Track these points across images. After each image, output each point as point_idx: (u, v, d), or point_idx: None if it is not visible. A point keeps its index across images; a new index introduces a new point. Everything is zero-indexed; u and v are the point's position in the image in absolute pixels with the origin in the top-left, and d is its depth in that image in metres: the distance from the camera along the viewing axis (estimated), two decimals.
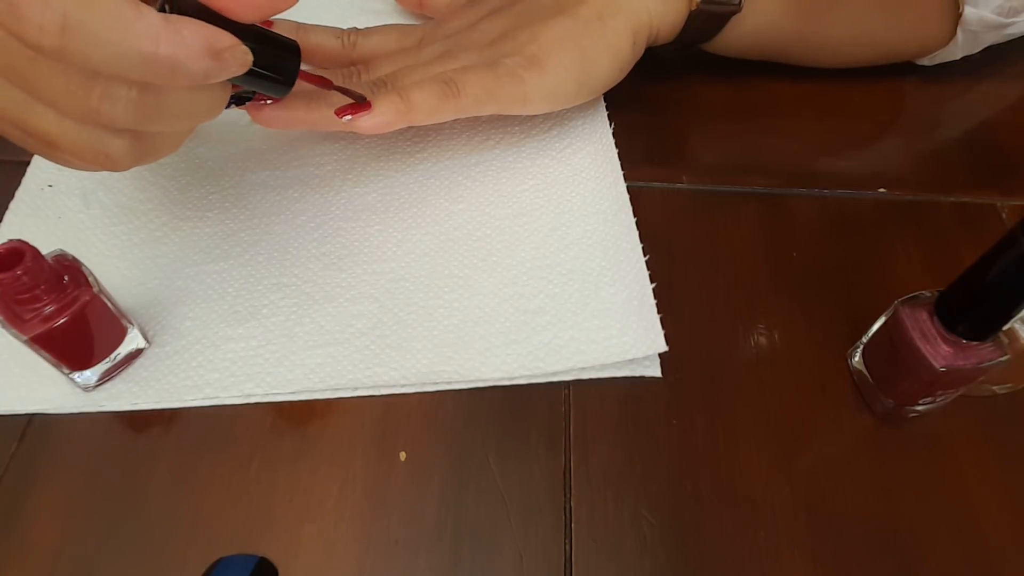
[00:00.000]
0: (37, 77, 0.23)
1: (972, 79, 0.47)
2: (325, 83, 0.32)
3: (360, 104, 0.34)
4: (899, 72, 0.46)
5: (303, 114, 0.34)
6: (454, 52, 0.38)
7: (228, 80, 0.27)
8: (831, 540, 0.30)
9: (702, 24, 0.40)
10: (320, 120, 0.34)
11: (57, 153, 0.26)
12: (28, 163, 0.40)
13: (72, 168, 0.27)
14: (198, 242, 0.37)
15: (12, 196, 0.38)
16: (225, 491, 0.30)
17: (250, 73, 0.27)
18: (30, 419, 0.32)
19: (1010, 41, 0.45)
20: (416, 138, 0.42)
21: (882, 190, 0.41)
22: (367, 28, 0.41)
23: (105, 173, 0.39)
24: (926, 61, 0.46)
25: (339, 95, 0.33)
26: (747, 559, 0.30)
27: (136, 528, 0.29)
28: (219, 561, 0.28)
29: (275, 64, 0.28)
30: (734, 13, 0.40)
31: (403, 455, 0.31)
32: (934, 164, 0.43)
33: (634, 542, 0.30)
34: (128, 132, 0.26)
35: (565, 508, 0.30)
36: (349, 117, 0.33)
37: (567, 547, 0.30)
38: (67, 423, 0.32)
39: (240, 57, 0.26)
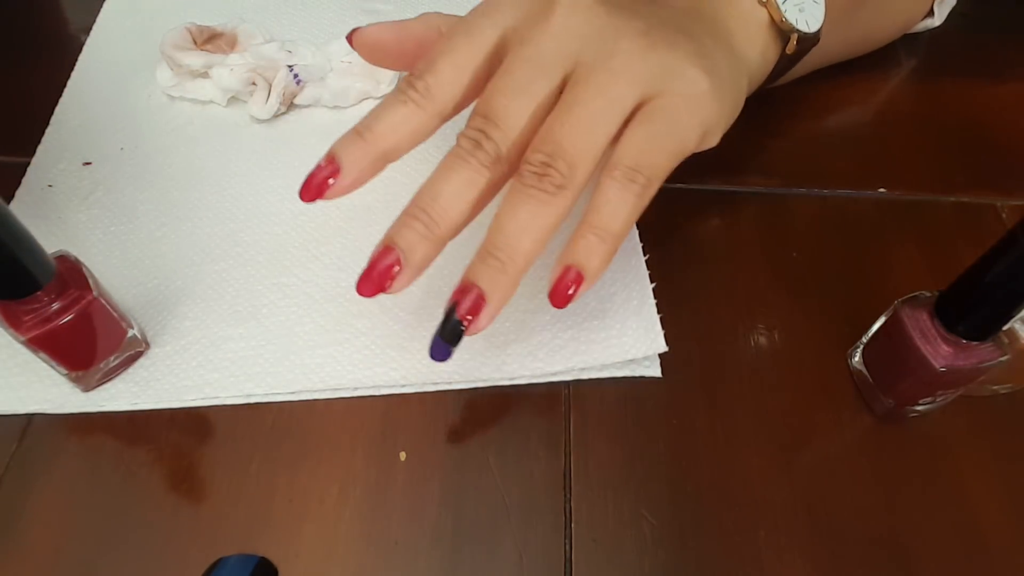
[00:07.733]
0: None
1: (972, 79, 0.47)
2: None
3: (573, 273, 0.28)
4: (899, 72, 0.46)
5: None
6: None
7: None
8: (831, 540, 0.30)
9: (784, 66, 0.38)
10: None
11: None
12: (28, 163, 0.40)
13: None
14: (198, 242, 0.37)
15: (12, 196, 0.38)
16: (225, 491, 0.30)
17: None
18: (30, 419, 0.32)
19: (1009, 41, 0.45)
20: None
21: (882, 190, 0.41)
22: (429, 64, 0.29)
23: (105, 173, 0.39)
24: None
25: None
26: (747, 559, 0.30)
27: (136, 528, 0.29)
28: (219, 561, 0.28)
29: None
30: (814, 45, 0.37)
31: (403, 455, 0.31)
32: (934, 164, 0.43)
33: (634, 542, 0.30)
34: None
35: (565, 508, 0.30)
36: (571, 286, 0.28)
37: (567, 547, 0.30)
38: (67, 423, 0.32)
39: None
